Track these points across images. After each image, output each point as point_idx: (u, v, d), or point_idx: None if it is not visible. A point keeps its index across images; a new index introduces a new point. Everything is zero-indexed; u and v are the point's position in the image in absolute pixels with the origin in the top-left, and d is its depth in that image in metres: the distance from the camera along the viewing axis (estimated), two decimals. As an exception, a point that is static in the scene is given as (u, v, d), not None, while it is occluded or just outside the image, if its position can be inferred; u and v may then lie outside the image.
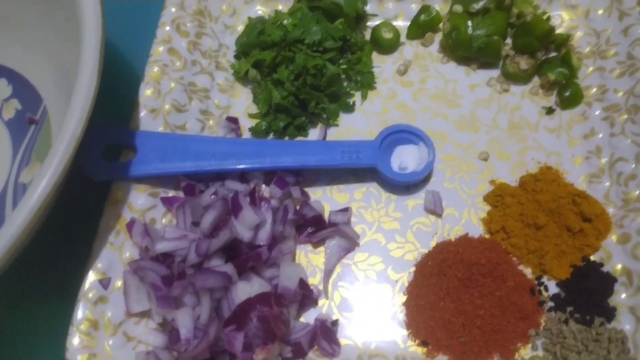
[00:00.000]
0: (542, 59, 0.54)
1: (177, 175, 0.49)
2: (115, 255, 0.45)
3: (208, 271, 0.41)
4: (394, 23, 0.58)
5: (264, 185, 0.49)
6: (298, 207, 0.49)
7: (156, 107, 0.51)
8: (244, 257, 0.43)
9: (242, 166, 0.48)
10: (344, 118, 0.55)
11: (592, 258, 0.46)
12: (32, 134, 0.57)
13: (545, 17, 0.54)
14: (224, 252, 0.43)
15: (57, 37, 0.52)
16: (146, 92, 0.51)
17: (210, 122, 0.54)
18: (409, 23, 0.58)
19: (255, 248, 0.44)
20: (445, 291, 0.44)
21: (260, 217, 0.44)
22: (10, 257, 0.37)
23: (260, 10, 0.61)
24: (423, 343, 0.44)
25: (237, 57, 0.58)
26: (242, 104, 0.56)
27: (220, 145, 0.49)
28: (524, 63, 0.53)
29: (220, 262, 0.43)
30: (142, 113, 0.51)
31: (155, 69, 0.53)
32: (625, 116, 0.49)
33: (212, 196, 0.46)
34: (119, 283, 0.44)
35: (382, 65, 0.57)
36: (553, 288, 0.45)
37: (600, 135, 0.50)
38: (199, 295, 0.41)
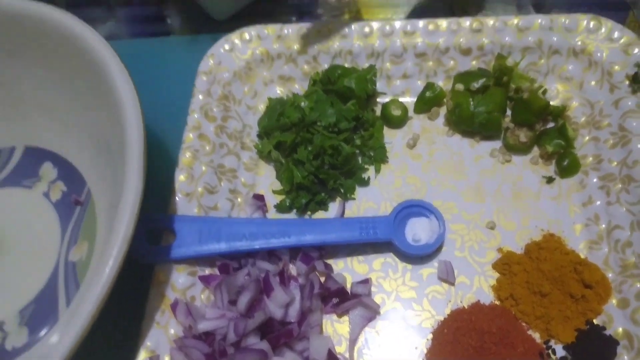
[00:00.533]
0: (540, 130, 0.59)
1: (213, 255, 0.54)
2: (162, 333, 0.50)
3: (246, 350, 0.46)
4: (402, 99, 0.63)
5: (291, 265, 0.53)
6: (323, 280, 0.53)
7: (190, 191, 0.57)
8: (276, 334, 0.48)
9: (270, 245, 0.53)
10: (360, 192, 0.60)
11: (595, 321, 0.50)
12: (79, 215, 0.62)
13: (541, 90, 0.58)
14: (258, 329, 0.48)
15: (97, 122, 0.57)
16: (180, 178, 0.57)
17: (239, 199, 0.60)
18: (416, 99, 0.63)
19: (286, 324, 0.49)
20: (460, 359, 0.48)
21: (290, 295, 0.49)
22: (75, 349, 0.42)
23: (279, 91, 0.66)
24: (442, 407, 0.48)
25: (259, 136, 0.64)
26: (266, 180, 0.62)
27: (249, 226, 0.54)
28: (523, 136, 0.58)
29: (256, 339, 0.47)
30: (178, 197, 0.56)
31: (188, 154, 0.58)
32: (620, 185, 0.53)
33: (246, 276, 0.51)
34: (167, 359, 0.49)
35: (393, 140, 0.62)
36: (560, 351, 0.49)
37: (598, 203, 0.54)
38: (239, 372, 0.46)
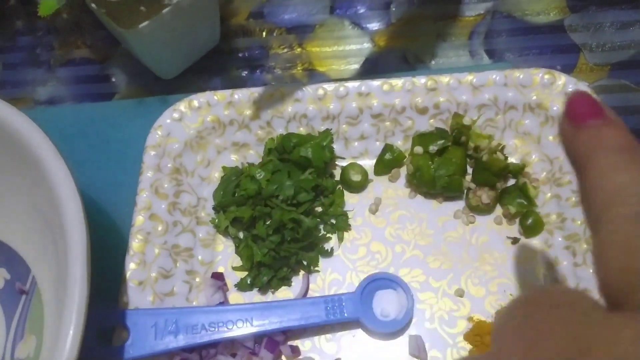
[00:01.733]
0: (501, 188, 0.58)
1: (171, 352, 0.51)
2: None
3: None
4: (361, 161, 0.62)
5: (254, 357, 0.51)
6: (290, 367, 0.51)
7: (143, 278, 0.53)
8: None
9: (231, 335, 0.51)
10: (323, 263, 0.57)
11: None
12: (24, 305, 0.58)
13: (500, 148, 0.58)
14: None
15: (37, 215, 0.54)
16: (131, 266, 0.54)
17: (197, 279, 0.57)
18: (375, 161, 0.61)
19: None
20: None
21: (257, 394, 0.46)
22: None
23: (233, 158, 0.64)
24: None
25: (215, 209, 0.61)
26: (226, 256, 0.59)
27: (208, 316, 0.51)
28: (485, 197, 0.57)
29: None
30: (130, 287, 0.53)
31: (139, 238, 0.55)
32: (585, 246, 0.52)
33: (208, 377, 0.48)
34: None
35: (354, 205, 0.60)
36: None
37: (565, 264, 0.53)
38: None
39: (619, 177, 0.28)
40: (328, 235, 0.59)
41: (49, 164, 0.46)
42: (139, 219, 0.56)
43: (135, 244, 0.55)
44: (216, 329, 0.51)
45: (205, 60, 0.74)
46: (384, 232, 0.58)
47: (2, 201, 0.58)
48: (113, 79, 0.77)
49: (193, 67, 0.74)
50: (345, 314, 0.52)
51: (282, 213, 0.56)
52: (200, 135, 0.63)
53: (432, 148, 0.58)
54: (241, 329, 0.51)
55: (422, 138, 0.59)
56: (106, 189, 0.63)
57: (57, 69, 0.79)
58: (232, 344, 0.52)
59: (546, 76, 0.59)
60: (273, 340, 0.51)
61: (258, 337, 0.52)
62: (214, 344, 0.51)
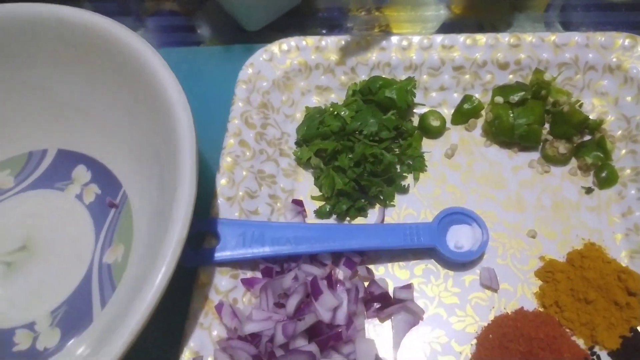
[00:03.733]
0: (578, 142, 0.60)
1: (256, 259, 0.54)
2: (206, 334, 0.50)
3: (295, 352, 0.46)
4: (439, 109, 0.64)
5: (338, 269, 0.53)
6: (366, 285, 0.53)
7: (231, 195, 0.57)
8: (325, 337, 0.48)
9: (314, 250, 0.54)
10: (399, 199, 0.60)
11: (639, 329, 0.50)
12: (113, 217, 0.62)
13: (578, 105, 0.60)
14: (306, 332, 0.48)
15: (137, 130, 0.58)
16: (222, 182, 0.57)
17: (278, 204, 0.60)
18: (453, 110, 0.64)
19: (334, 327, 0.48)
20: (508, 364, 0.48)
21: (338, 299, 0.49)
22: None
23: (315, 100, 0.67)
24: (490, 413, 0.48)
25: (297, 144, 0.64)
26: (305, 187, 0.62)
27: (293, 231, 0.54)
28: (562, 148, 0.59)
29: (304, 342, 0.47)
30: (220, 201, 0.56)
31: (229, 159, 0.59)
32: (660, 197, 0.54)
33: (293, 280, 0.51)
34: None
35: (431, 150, 0.63)
36: (605, 357, 0.49)
37: (638, 214, 0.55)
38: (287, 373, 0.46)
39: None
40: (404, 174, 0.61)
41: (158, 71, 0.50)
42: (230, 142, 0.60)
43: (225, 164, 0.58)
44: (299, 244, 0.54)
45: (286, 17, 0.78)
46: (459, 176, 0.61)
47: (100, 122, 0.63)
48: (198, 30, 0.82)
49: (274, 24, 0.78)
50: (422, 241, 0.54)
51: (364, 147, 0.59)
52: (287, 77, 0.67)
53: (513, 98, 0.60)
54: (322, 246, 0.54)
55: (502, 89, 0.62)
56: (197, 122, 0.67)
57: (145, 18, 0.84)
58: (311, 261, 0.55)
59: (627, 40, 0.61)
60: (351, 260, 0.54)
61: (336, 258, 0.55)
62: (295, 258, 0.54)
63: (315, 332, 0.48)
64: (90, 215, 0.63)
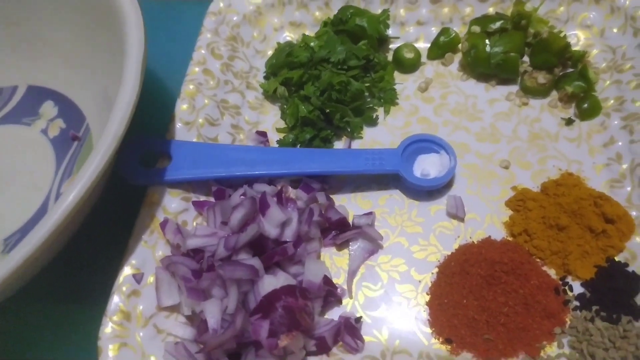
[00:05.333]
0: (559, 74, 0.56)
1: (208, 182, 0.52)
2: (149, 253, 0.47)
3: (236, 263, 0.43)
4: (416, 45, 0.61)
5: (290, 188, 0.50)
6: (323, 212, 0.50)
7: (190, 120, 0.55)
8: (270, 252, 0.45)
9: (270, 172, 0.51)
10: (367, 132, 0.57)
11: (616, 259, 0.46)
12: (75, 149, 0.60)
13: (561, 35, 0.56)
14: (251, 248, 0.45)
15: (100, 59, 0.57)
16: (182, 107, 0.55)
17: (241, 135, 0.57)
18: (430, 45, 0.61)
19: (282, 245, 0.45)
20: (468, 289, 0.44)
21: (287, 215, 0.46)
22: (51, 246, 0.39)
23: (288, 36, 0.65)
24: (447, 341, 0.44)
25: (266, 77, 0.62)
26: (271, 120, 0.59)
27: (249, 153, 0.52)
28: (542, 78, 0.55)
29: (247, 256, 0.44)
30: (178, 125, 0.54)
31: (191, 86, 0.56)
32: (645, 124, 0.50)
33: (241, 196, 0.48)
34: (151, 279, 0.46)
35: (404, 83, 0.60)
36: (578, 288, 0.45)
37: (620, 143, 0.51)
38: (226, 286, 0.43)
39: None
40: (375, 107, 0.58)
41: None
42: (194, 69, 0.57)
43: (187, 90, 0.56)
44: (255, 166, 0.51)
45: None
46: (432, 109, 0.57)
47: (68, 55, 0.61)
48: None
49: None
50: (385, 166, 0.51)
51: (331, 75, 0.56)
52: (259, 11, 0.64)
53: (491, 27, 0.57)
54: (280, 169, 0.51)
55: (480, 20, 0.58)
56: (161, 59, 0.65)
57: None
58: (268, 184, 0.52)
59: (615, -32, 0.57)
60: (309, 185, 0.51)
61: (295, 185, 0.52)
62: (251, 181, 0.51)
63: (261, 250, 0.45)
64: (52, 149, 0.62)
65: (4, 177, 0.60)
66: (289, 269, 0.45)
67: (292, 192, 0.49)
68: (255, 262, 0.43)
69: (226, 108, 0.58)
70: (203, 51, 0.59)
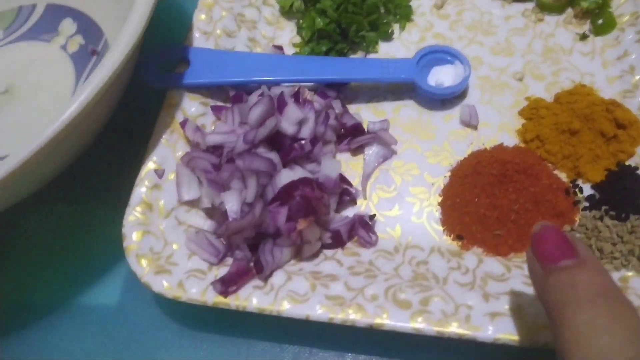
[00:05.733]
0: (576, -10, 0.56)
1: (226, 88, 0.53)
2: (169, 151, 0.48)
3: (255, 155, 0.44)
4: (433, -36, 0.61)
5: (307, 90, 0.51)
6: (339, 118, 0.51)
7: (209, 30, 0.55)
8: (287, 148, 0.46)
9: (287, 78, 0.51)
10: (382, 46, 0.58)
11: (626, 163, 0.47)
12: (94, 64, 0.61)
13: (576, -48, 0.56)
14: (269, 145, 0.46)
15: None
16: (200, 17, 0.55)
17: (258, 49, 0.58)
18: (447, -38, 0.61)
19: (299, 141, 0.46)
20: (480, 188, 0.46)
21: (304, 113, 0.47)
22: (68, 136, 0.40)
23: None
24: (458, 237, 0.45)
25: (282, -5, 0.62)
26: (287, 35, 0.60)
27: (267, 61, 0.53)
28: (558, -7, 0.55)
29: (266, 150, 0.45)
30: (196, 35, 0.54)
31: (208, -2, 0.57)
32: (660, 33, 0.50)
33: (259, 96, 0.49)
34: (172, 176, 0.47)
35: (420, 0, 0.60)
36: (588, 191, 0.46)
37: (634, 56, 0.51)
38: (245, 179, 0.44)
39: (598, 340, 0.26)
40: (391, 22, 0.59)
41: None
42: (210, -18, 0.58)
43: (204, 1, 0.56)
44: (273, 72, 0.51)
45: None
46: (447, 25, 0.58)
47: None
48: None
49: None
50: (400, 74, 0.51)
51: (347, -12, 0.56)
52: None
53: (508, -59, 0.56)
54: (297, 75, 0.51)
55: None
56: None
57: None
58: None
59: None
60: (325, 93, 0.52)
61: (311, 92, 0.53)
62: (269, 87, 0.52)
63: (279, 148, 0.46)
64: (72, 63, 0.62)
65: (26, 90, 0.61)
66: (306, 166, 0.47)
67: (309, 94, 0.50)
68: (274, 155, 0.45)
69: (243, 21, 0.58)
70: (217, -37, 0.59)
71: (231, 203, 0.43)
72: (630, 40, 0.52)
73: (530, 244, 0.31)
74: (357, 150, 0.51)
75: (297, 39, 0.59)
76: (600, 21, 0.54)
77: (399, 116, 0.53)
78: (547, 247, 0.30)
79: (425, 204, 0.48)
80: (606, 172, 0.46)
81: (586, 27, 0.55)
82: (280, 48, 0.58)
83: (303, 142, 0.46)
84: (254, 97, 0.49)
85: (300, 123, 0.47)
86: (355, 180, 0.49)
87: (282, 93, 0.47)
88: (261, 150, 0.45)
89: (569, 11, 0.56)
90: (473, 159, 0.48)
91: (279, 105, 0.47)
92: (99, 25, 0.63)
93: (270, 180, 0.44)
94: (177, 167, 0.47)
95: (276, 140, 0.46)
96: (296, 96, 0.49)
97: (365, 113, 0.53)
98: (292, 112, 0.46)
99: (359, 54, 0.57)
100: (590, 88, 0.51)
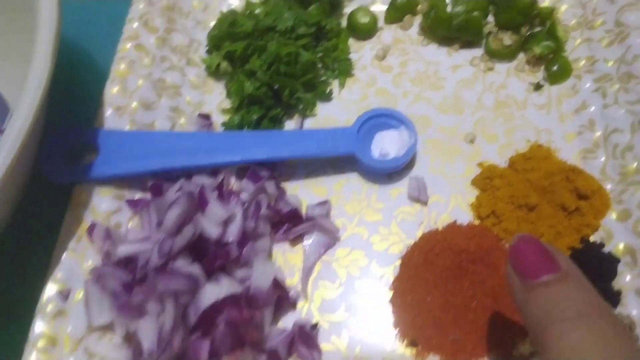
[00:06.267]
0: (526, 34, 0.51)
1: (145, 176, 0.46)
2: (77, 263, 0.42)
3: (172, 272, 0.38)
4: (371, 8, 0.55)
5: (233, 178, 0.45)
6: (273, 203, 0.45)
7: (122, 104, 0.49)
8: (210, 256, 0.40)
9: (212, 161, 0.46)
10: (321, 108, 0.52)
11: (591, 239, 0.42)
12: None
13: (527, -11, 0.51)
14: (191, 253, 0.40)
15: (17, 41, 0.50)
16: (112, 90, 0.49)
17: (182, 119, 0.51)
18: (387, 7, 0.55)
19: (225, 247, 0.41)
20: (433, 283, 0.40)
21: (229, 211, 0.41)
22: None
23: (232, 4, 0.58)
24: (412, 343, 0.40)
25: (209, 52, 0.56)
26: (215, 99, 0.54)
27: (188, 140, 0.46)
28: (507, 39, 0.50)
29: (186, 262, 0.39)
30: (108, 112, 0.48)
31: (122, 66, 0.50)
32: (618, 85, 0.46)
33: (177, 192, 0.43)
34: (80, 294, 0.41)
35: (360, 52, 0.54)
36: (551, 274, 0.42)
37: (593, 108, 0.47)
38: (162, 301, 0.38)
39: None
40: (329, 80, 0.53)
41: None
42: (125, 46, 0.51)
43: (118, 70, 0.50)
44: (195, 155, 0.45)
45: None
46: (390, 78, 0.52)
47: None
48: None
49: None
50: (339, 148, 0.46)
51: (278, 46, 0.50)
52: (200, -25, 0.58)
53: (450, -17, 0.51)
54: (223, 157, 0.45)
55: (440, -24, 0.53)
56: (96, 31, 0.59)
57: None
58: (211, 174, 0.47)
59: None
60: (256, 173, 0.46)
61: (242, 173, 0.47)
62: (192, 172, 0.46)
63: (202, 253, 0.41)
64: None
65: None
66: (236, 272, 0.41)
67: (235, 184, 0.44)
68: (195, 269, 0.39)
69: (164, 88, 0.52)
70: (135, 24, 0.52)
71: (146, 333, 0.37)
72: (588, 89, 0.48)
73: (508, 257, 0.29)
74: (296, 240, 0.45)
75: (227, 103, 0.53)
76: (555, 67, 0.49)
77: (341, 193, 0.47)
78: (527, 261, 0.28)
79: (374, 303, 0.42)
80: (570, 251, 0.42)
81: (540, 74, 0.50)
82: (207, 117, 0.51)
83: (229, 247, 0.40)
84: (171, 194, 0.43)
85: (226, 222, 0.41)
86: (295, 277, 0.44)
87: (202, 188, 0.41)
88: (180, 264, 0.39)
89: (522, 56, 0.51)
90: (424, 244, 0.43)
91: (200, 201, 0.41)
92: (4, 99, 0.56)
93: (192, 297, 0.39)
94: (85, 284, 0.41)
95: (199, 244, 0.40)
96: (220, 188, 0.43)
97: (304, 192, 0.47)
98: (215, 211, 0.40)
99: (295, 119, 0.51)
100: (548, 149, 0.46)
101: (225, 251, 0.40)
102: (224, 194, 0.42)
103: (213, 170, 0.47)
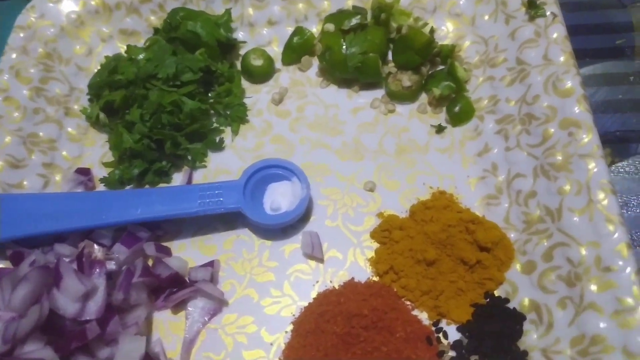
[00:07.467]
0: (427, 74, 0.49)
1: (5, 242, 0.41)
2: None
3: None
4: (269, 49, 0.52)
5: (95, 246, 0.40)
6: (151, 267, 0.41)
7: (-16, 164, 0.43)
8: (67, 336, 0.35)
9: (81, 225, 0.41)
10: (213, 158, 0.48)
11: (495, 293, 0.39)
12: None
13: (425, 28, 0.49)
14: (44, 333, 0.35)
15: None
16: (-28, 149, 0.44)
17: (57, 176, 0.47)
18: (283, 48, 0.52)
19: (83, 325, 0.35)
20: (324, 352, 0.36)
21: (88, 285, 0.36)
22: None
23: (120, 48, 0.54)
24: (302, 421, 0.36)
25: (90, 100, 0.51)
26: (98, 152, 0.49)
27: (55, 203, 0.42)
28: (406, 80, 0.48)
29: (37, 346, 0.34)
30: (-34, 173, 0.43)
31: (-15, 122, 0.45)
32: (519, 127, 0.43)
33: (30, 265, 0.38)
34: None
35: (256, 96, 0.51)
36: (454, 333, 0.38)
37: (495, 151, 0.44)
38: (6, 394, 0.32)
39: None
40: (221, 127, 0.49)
41: None
42: (-11, 99, 0.46)
43: (-21, 127, 0.45)
44: (60, 219, 0.40)
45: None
46: (287, 124, 0.49)
47: None
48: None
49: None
50: (224, 204, 0.42)
51: (160, 95, 0.46)
52: (81, 20, 0.53)
53: (347, 24, 0.48)
54: (94, 220, 0.41)
55: (335, 16, 0.50)
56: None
57: None
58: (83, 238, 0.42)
59: (480, -52, 0.50)
60: (134, 235, 0.41)
61: (121, 233, 0.42)
62: (61, 239, 0.41)
63: (58, 332, 0.35)
64: None
65: None
66: (99, 352, 0.36)
67: (99, 252, 0.39)
68: (47, 353, 0.33)
69: (36, 144, 0.47)
70: (5, 76, 0.48)
71: None
72: (491, 130, 0.45)
73: None
74: (179, 306, 0.41)
75: (110, 156, 0.48)
76: (456, 108, 0.47)
77: (231, 251, 0.43)
78: None
79: (263, 377, 0.38)
80: (473, 309, 0.38)
81: (442, 115, 0.48)
82: (86, 172, 0.47)
83: (87, 326, 0.35)
84: (24, 267, 0.38)
85: (85, 297, 0.36)
86: (177, 348, 0.39)
87: (59, 260, 0.36)
88: (31, 347, 0.34)
89: (423, 97, 0.49)
90: (317, 308, 0.39)
91: (55, 276, 0.36)
92: None
93: (44, 386, 0.33)
94: None
95: (53, 324, 0.35)
96: (79, 259, 0.38)
97: (191, 251, 0.43)
98: (71, 285, 0.35)
99: (184, 171, 0.47)
100: (450, 196, 0.43)
101: (81, 331, 0.35)
102: (84, 265, 0.37)
103: (87, 233, 0.42)
